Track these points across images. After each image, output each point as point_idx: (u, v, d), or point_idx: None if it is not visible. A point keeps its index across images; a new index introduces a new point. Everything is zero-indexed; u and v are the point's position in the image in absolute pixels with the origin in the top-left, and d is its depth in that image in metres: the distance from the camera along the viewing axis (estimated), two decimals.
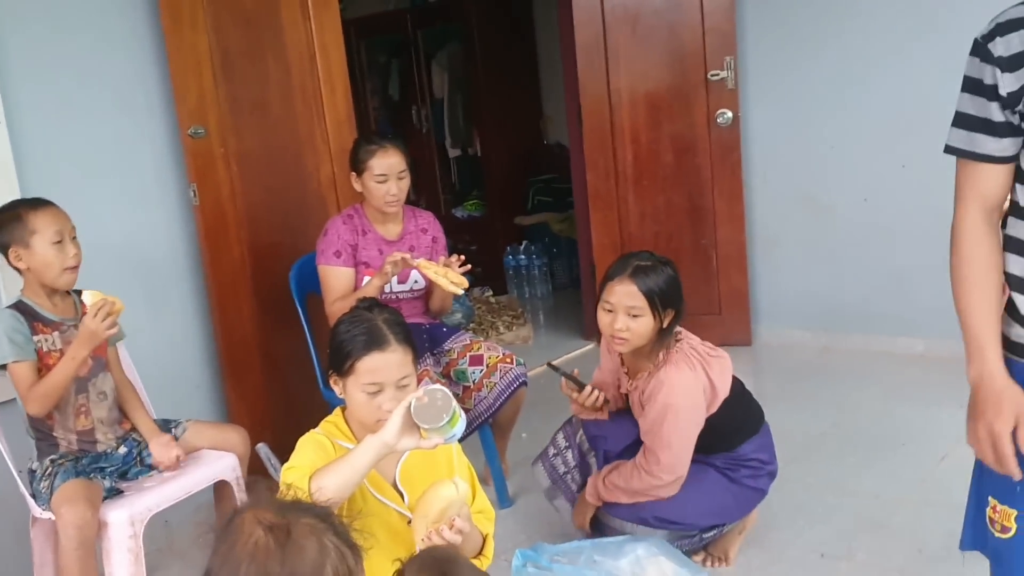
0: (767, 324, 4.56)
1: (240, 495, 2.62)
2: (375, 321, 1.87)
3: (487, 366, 3.07)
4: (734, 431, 2.50)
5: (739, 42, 4.29)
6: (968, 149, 1.53)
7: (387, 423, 1.74)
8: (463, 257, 2.94)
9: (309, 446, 1.89)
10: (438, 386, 1.79)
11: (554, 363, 2.82)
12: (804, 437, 3.40)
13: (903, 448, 3.28)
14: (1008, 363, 1.52)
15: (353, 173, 3.08)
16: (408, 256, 2.90)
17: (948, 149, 1.58)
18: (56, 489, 2.35)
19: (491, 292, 5.94)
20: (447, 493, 1.76)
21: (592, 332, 4.89)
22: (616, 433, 2.62)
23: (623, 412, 2.67)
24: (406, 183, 3.10)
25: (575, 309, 5.36)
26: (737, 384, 2.50)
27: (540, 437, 3.19)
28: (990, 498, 1.60)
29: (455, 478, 1.82)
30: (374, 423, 1.81)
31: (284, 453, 2.86)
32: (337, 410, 2.01)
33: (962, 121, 1.54)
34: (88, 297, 2.40)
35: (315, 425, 1.97)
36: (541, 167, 6.36)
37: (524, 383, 3.08)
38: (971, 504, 1.69)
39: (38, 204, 2.47)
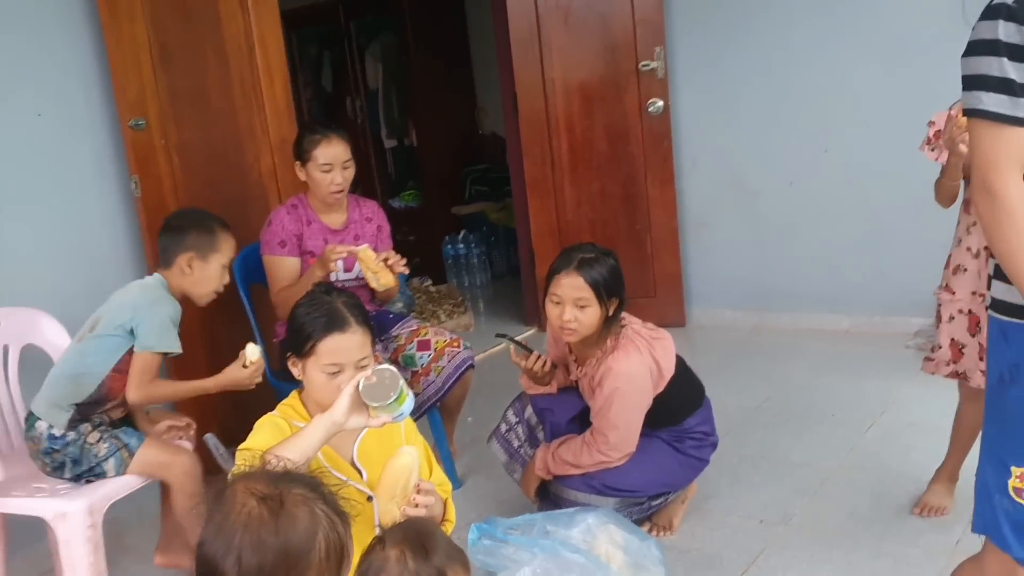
0: (700, 305, 4.71)
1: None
2: (335, 304, 1.93)
3: (435, 350, 3.13)
4: (679, 406, 2.61)
5: (668, 33, 4.42)
6: (1011, 114, 1.46)
7: (336, 402, 1.79)
8: (404, 260, 2.98)
9: (266, 427, 1.94)
10: (386, 366, 1.85)
11: (503, 333, 2.91)
12: (739, 411, 3.54)
13: (832, 419, 3.44)
14: (1010, 326, 1.56)
15: (298, 163, 3.11)
16: (354, 248, 2.94)
17: (988, 115, 1.49)
18: (138, 449, 2.47)
19: (430, 281, 5.98)
20: (406, 462, 1.82)
21: (533, 317, 4.99)
22: (562, 406, 2.72)
23: (569, 387, 2.77)
24: (351, 172, 3.13)
25: (515, 296, 5.45)
26: (680, 362, 2.62)
27: (485, 420, 3.28)
28: (1014, 468, 1.58)
29: (403, 448, 1.89)
30: (332, 403, 1.87)
31: (232, 443, 2.89)
32: (294, 393, 2.05)
33: (1002, 86, 1.46)
34: (253, 353, 2.51)
35: (263, 415, 2.01)
36: (477, 157, 6.43)
37: (471, 366, 3.15)
38: (980, 485, 1.67)
39: (226, 227, 2.67)
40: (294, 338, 1.94)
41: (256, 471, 1.33)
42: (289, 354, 1.97)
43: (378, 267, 2.94)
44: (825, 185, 4.33)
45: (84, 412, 2.51)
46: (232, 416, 3.15)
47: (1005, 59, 1.44)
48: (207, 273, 2.61)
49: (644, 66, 4.40)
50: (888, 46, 4.02)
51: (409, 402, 1.85)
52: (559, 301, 2.51)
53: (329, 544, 1.21)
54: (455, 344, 3.15)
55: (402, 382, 1.82)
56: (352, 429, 1.84)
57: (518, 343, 2.73)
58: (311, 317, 1.91)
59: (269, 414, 2.01)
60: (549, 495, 2.71)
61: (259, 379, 2.56)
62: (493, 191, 6.29)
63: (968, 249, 2.47)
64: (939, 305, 2.59)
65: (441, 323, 5.19)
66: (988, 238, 1.53)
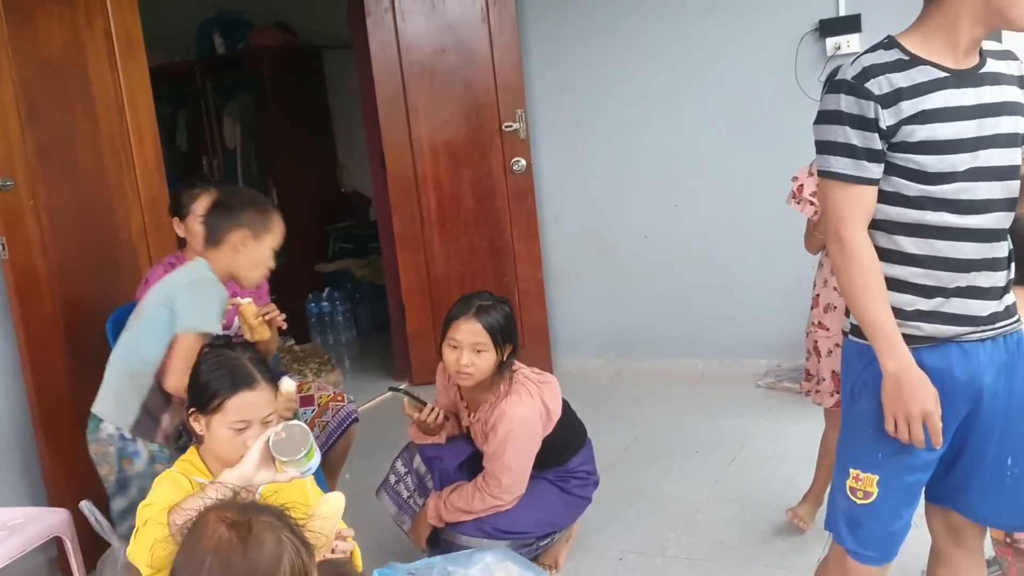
0: (566, 354, 4.90)
1: (76, 556, 2.55)
2: (241, 360, 1.95)
3: (318, 405, 3.15)
4: (565, 446, 2.75)
5: (528, 96, 4.67)
6: (857, 175, 1.71)
7: (245, 456, 1.82)
8: (284, 316, 2.99)
9: (166, 483, 1.93)
10: (296, 422, 1.89)
11: (396, 386, 2.97)
12: (609, 452, 3.71)
13: (696, 455, 3.67)
14: (865, 348, 1.77)
15: (175, 218, 3.10)
16: (237, 300, 2.95)
17: (835, 176, 1.73)
18: None
19: (294, 341, 5.93)
20: (334, 508, 1.86)
21: (403, 372, 5.04)
22: (451, 453, 2.81)
23: (456, 435, 2.86)
24: None
25: (383, 352, 5.48)
26: (566, 404, 2.77)
27: (362, 475, 3.31)
28: (851, 470, 1.83)
29: (329, 495, 1.93)
30: (237, 459, 1.89)
31: (106, 513, 2.81)
32: (192, 449, 2.05)
33: (848, 151, 1.70)
34: (287, 385, 2.51)
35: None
36: (340, 215, 6.46)
37: (356, 420, 3.18)
38: (831, 488, 1.92)
39: (277, 211, 2.61)
40: (199, 394, 1.95)
41: (226, 501, 1.37)
42: (192, 410, 1.98)
43: (257, 322, 2.95)
44: (677, 237, 4.64)
45: (152, 411, 2.47)
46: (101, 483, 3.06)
47: (848, 127, 1.70)
48: (259, 254, 2.52)
49: (507, 127, 4.61)
50: (731, 109, 4.39)
51: (317, 457, 1.89)
52: (456, 346, 2.61)
53: (294, 568, 1.27)
54: (339, 398, 3.18)
55: (312, 438, 1.87)
56: (259, 484, 1.87)
57: (412, 396, 2.80)
58: (218, 374, 1.93)
59: (167, 470, 2.00)
60: (440, 543, 2.78)
61: (289, 413, 2.56)
62: (357, 248, 6.33)
63: (835, 288, 2.69)
64: (814, 342, 2.82)
65: (309, 382, 5.16)
66: (839, 280, 1.79)
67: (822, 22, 4.11)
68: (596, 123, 4.70)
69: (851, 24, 4.03)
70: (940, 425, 1.72)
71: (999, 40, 2.16)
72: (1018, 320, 1.84)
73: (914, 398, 1.70)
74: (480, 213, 4.75)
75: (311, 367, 5.41)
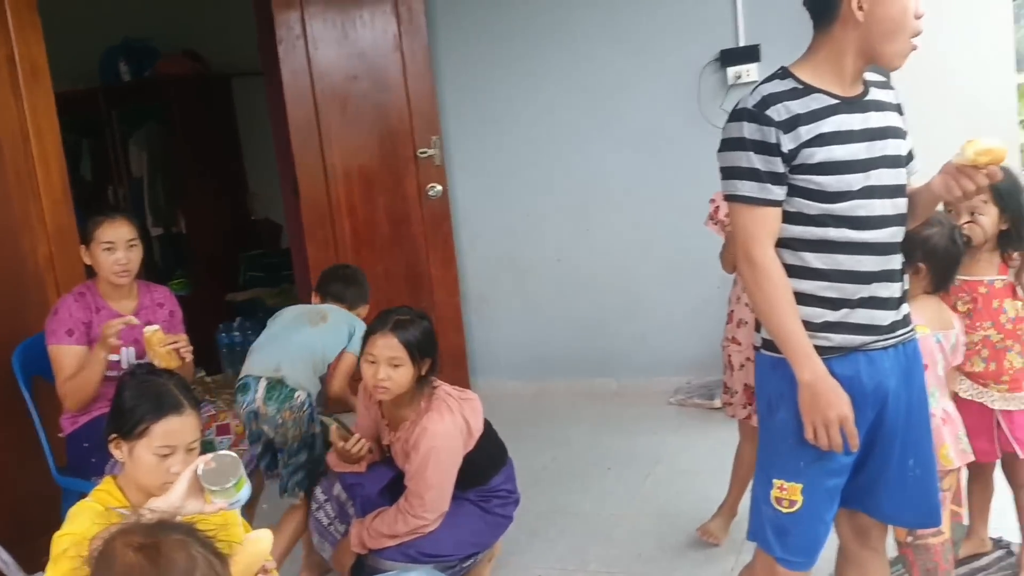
0: (484, 377, 4.94)
1: None
2: (167, 385, 1.94)
3: (235, 435, 3.13)
4: (486, 465, 2.79)
5: (443, 123, 4.73)
6: (761, 197, 1.82)
7: (174, 486, 1.81)
8: (191, 348, 2.95)
9: (84, 513, 1.89)
10: (227, 451, 1.89)
11: (322, 415, 2.96)
12: (529, 472, 3.73)
13: (612, 472, 3.76)
14: (778, 361, 1.88)
15: (83, 247, 3.05)
16: (129, 319, 2.90)
17: (742, 199, 1.84)
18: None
19: (204, 372, 5.82)
20: (264, 546, 1.84)
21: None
22: (371, 478, 2.82)
23: (376, 462, 2.87)
24: (136, 253, 3.06)
25: None
26: (486, 422, 2.81)
27: (279, 503, 3.27)
28: (775, 480, 1.92)
29: (259, 532, 1.92)
30: (160, 486, 1.87)
31: (13, 549, 2.73)
32: (108, 478, 2.02)
33: (752, 175, 1.81)
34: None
35: (49, 516, 1.96)
36: (251, 242, 6.39)
37: None
38: (752, 499, 2.01)
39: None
40: (122, 419, 1.92)
41: (130, 525, 1.36)
42: (113, 436, 1.95)
43: (164, 350, 2.90)
44: (589, 260, 4.75)
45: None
46: (10, 520, 2.97)
47: (751, 152, 1.82)
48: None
49: (422, 153, 4.66)
50: (638, 136, 4.54)
51: (247, 488, 1.88)
52: (374, 360, 2.63)
53: None
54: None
55: (242, 468, 1.86)
56: (187, 514, 1.85)
57: (342, 424, 2.80)
58: (142, 399, 1.91)
59: (84, 501, 1.96)
60: (364, 569, 2.77)
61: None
62: (269, 276, 6.27)
63: (746, 304, 2.79)
64: (728, 356, 2.94)
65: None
66: (750, 297, 1.91)
67: (723, 52, 4.30)
68: (510, 149, 4.79)
69: (750, 54, 4.23)
70: (855, 429, 1.83)
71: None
72: (913, 328, 1.98)
73: (831, 405, 1.81)
74: (396, 239, 4.77)
75: (223, 398, 5.33)
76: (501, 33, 4.71)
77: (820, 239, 1.85)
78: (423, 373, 2.67)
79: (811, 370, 1.81)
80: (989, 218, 2.52)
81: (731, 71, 4.25)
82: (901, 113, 1.96)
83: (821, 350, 1.85)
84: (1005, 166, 2.52)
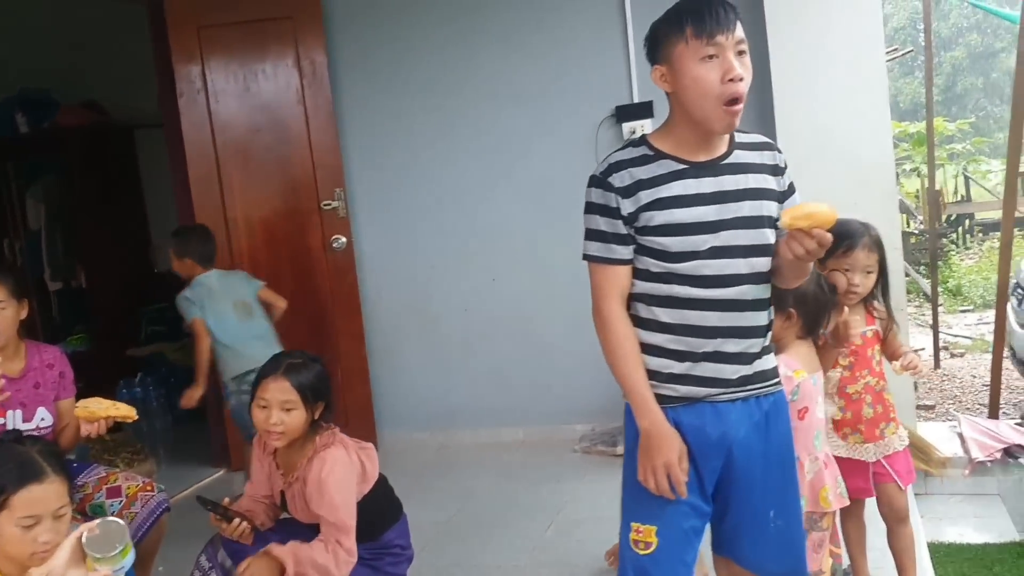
0: (390, 429, 4.91)
1: None
2: (30, 453, 1.89)
3: (126, 496, 3.03)
4: (378, 517, 2.74)
5: (347, 175, 4.75)
6: (607, 256, 1.94)
7: (56, 553, 1.76)
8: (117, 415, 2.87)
9: None
10: (113, 518, 1.84)
11: (204, 496, 2.86)
12: (433, 526, 3.74)
13: (515, 523, 3.75)
14: None
15: None
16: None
17: (591, 258, 1.96)
18: None
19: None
20: None
21: (221, 459, 4.89)
22: (258, 546, 2.74)
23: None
24: (10, 312, 2.97)
25: (200, 438, 5.29)
26: (382, 476, 2.78)
27: (177, 568, 3.19)
28: (632, 524, 1.99)
29: None
30: (28, 556, 1.82)
31: None
32: None
33: (598, 236, 1.94)
34: None
35: None
36: (153, 296, 6.25)
37: (167, 509, 3.07)
38: (620, 543, 2.05)
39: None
40: None
41: None
42: None
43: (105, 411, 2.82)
44: (495, 310, 4.79)
45: None
46: None
47: (598, 216, 1.94)
48: None
49: (326, 205, 4.66)
50: (539, 188, 4.63)
51: (131, 555, 1.84)
52: (266, 405, 2.59)
53: None
54: (148, 488, 3.07)
55: (128, 535, 1.81)
56: None
57: (219, 507, 2.70)
58: (3, 469, 1.85)
59: None
60: None
61: None
62: (171, 331, 6.13)
63: None
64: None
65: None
66: (602, 349, 1.98)
67: (618, 108, 4.44)
68: (415, 201, 4.83)
69: (644, 110, 4.37)
70: (681, 476, 1.91)
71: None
72: (775, 383, 2.04)
73: (660, 451, 1.90)
74: (300, 291, 4.73)
75: (123, 457, 5.18)
76: (405, 87, 4.77)
77: (666, 295, 1.94)
78: (316, 417, 2.64)
79: (648, 418, 1.91)
80: (874, 277, 2.66)
81: (626, 126, 4.39)
82: (776, 174, 2.02)
83: (668, 399, 1.94)
84: (866, 223, 2.68)
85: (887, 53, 11.75)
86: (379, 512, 2.75)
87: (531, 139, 4.64)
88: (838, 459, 2.67)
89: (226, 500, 2.80)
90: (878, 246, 2.67)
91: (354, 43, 4.77)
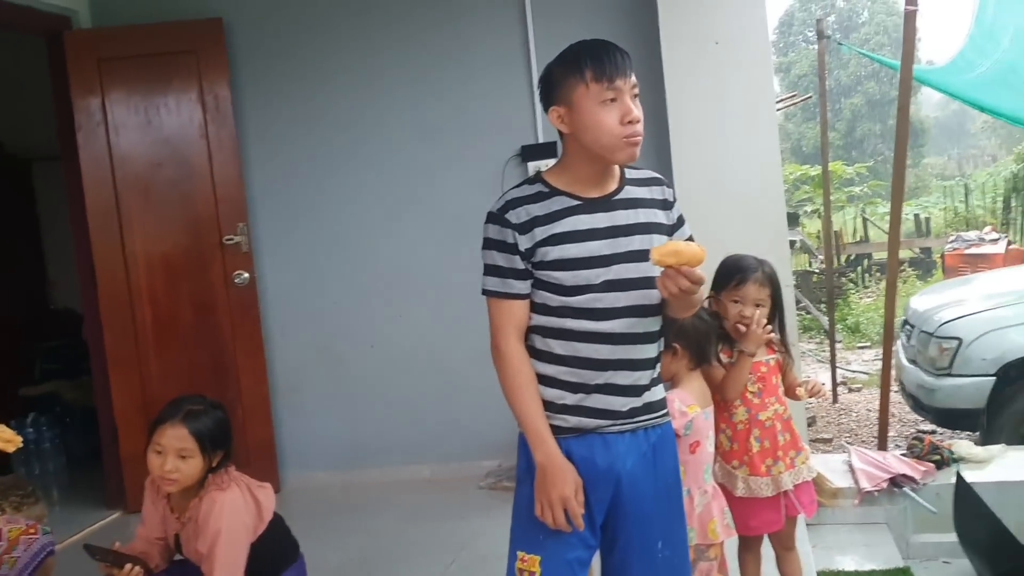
0: (294, 469, 4.83)
1: None
2: None
3: (7, 540, 2.92)
4: (275, 559, 2.70)
5: (250, 209, 4.70)
6: (504, 291, 1.98)
7: None
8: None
9: None
10: None
11: (92, 544, 2.77)
12: (337, 567, 3.68)
13: (417, 561, 3.73)
14: (522, 437, 1.99)
15: None
16: None
17: (488, 293, 2.00)
18: None
19: None
20: None
21: (116, 501, 4.74)
22: None
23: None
24: None
25: (95, 479, 5.12)
26: (278, 515, 2.74)
27: None
28: (518, 552, 2.00)
29: None
30: None
31: None
32: None
33: (496, 271, 1.98)
34: None
35: None
36: (48, 333, 6.06)
37: (52, 552, 2.97)
38: (507, 572, 2.06)
39: None
40: None
41: None
42: None
43: None
44: (402, 346, 4.78)
45: None
46: None
47: (495, 251, 1.99)
48: None
49: (228, 240, 4.60)
50: (446, 224, 4.66)
51: None
52: (161, 451, 2.53)
53: None
54: (32, 531, 2.97)
55: None
56: None
57: (109, 554, 2.62)
58: None
59: None
60: None
61: None
62: (68, 369, 5.93)
63: None
64: None
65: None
66: (499, 381, 2.00)
67: (524, 147, 4.53)
68: (320, 235, 4.80)
69: (549, 150, 4.46)
70: (578, 510, 1.93)
71: None
72: (663, 415, 2.10)
73: (555, 485, 1.92)
74: (201, 328, 4.66)
75: (10, 501, 4.92)
76: (310, 121, 4.77)
77: (560, 328, 1.98)
78: (214, 465, 2.59)
79: (543, 452, 1.94)
80: (766, 312, 2.75)
81: (531, 165, 4.47)
82: (666, 208, 2.09)
83: (560, 430, 1.98)
84: (762, 259, 2.79)
85: (788, 99, 12.25)
86: (275, 553, 2.72)
87: (438, 174, 4.68)
88: (759, 500, 2.74)
89: (116, 544, 2.72)
90: (771, 281, 2.77)
91: (259, 77, 4.76)
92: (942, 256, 13.51)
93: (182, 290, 4.65)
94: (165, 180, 4.61)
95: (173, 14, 4.64)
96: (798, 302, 11.08)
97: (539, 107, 4.48)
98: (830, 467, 4.08)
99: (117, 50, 4.56)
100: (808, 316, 11.04)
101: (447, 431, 4.74)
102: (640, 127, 1.94)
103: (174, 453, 2.53)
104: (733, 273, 2.76)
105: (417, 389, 4.78)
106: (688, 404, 2.59)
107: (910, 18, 4.30)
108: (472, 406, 4.65)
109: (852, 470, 4.01)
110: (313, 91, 4.75)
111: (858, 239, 16.45)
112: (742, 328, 2.71)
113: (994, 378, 4.94)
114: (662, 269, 1.88)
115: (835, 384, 7.65)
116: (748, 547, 2.88)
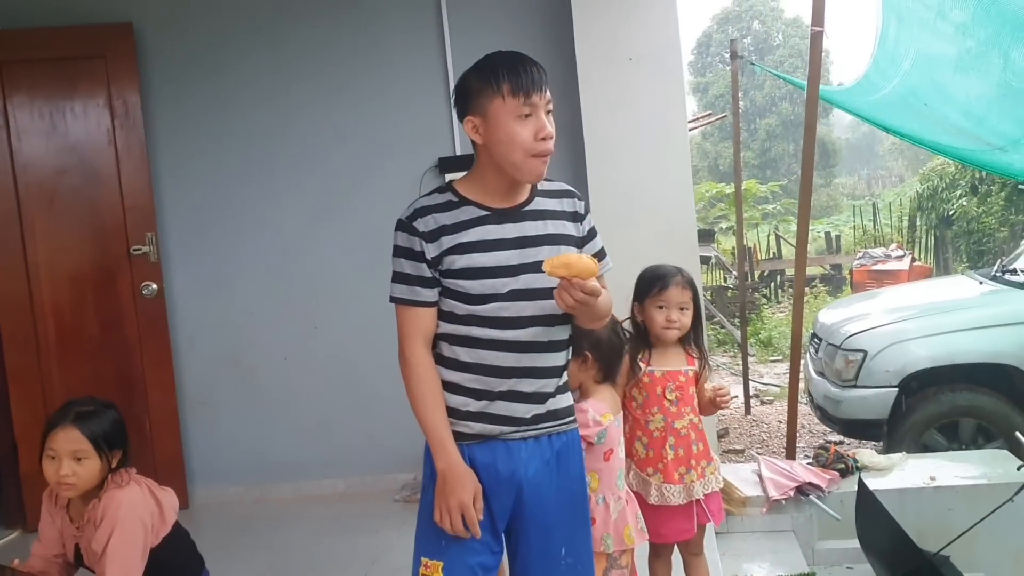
0: (203, 484, 4.71)
1: None
2: None
3: None
4: (178, 571, 2.63)
5: (160, 219, 4.59)
6: (411, 299, 1.99)
7: None
8: None
9: None
10: None
11: None
12: None
13: (327, 575, 3.67)
14: (427, 445, 2.00)
15: None
16: None
17: (396, 300, 2.01)
18: None
19: None
20: None
21: (16, 519, 4.55)
22: None
23: None
24: None
25: None
26: (180, 527, 2.67)
27: None
28: (422, 559, 2.01)
29: None
30: None
31: None
32: None
33: (403, 279, 2.00)
34: None
35: None
36: None
37: None
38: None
39: None
40: None
41: None
42: None
43: None
44: (317, 359, 4.72)
45: None
46: None
47: (403, 259, 2.01)
48: None
49: (136, 250, 4.48)
50: (363, 235, 4.62)
51: None
52: (55, 456, 2.45)
53: None
54: None
55: None
56: None
57: (6, 571, 2.53)
58: None
59: None
60: None
61: None
62: None
63: None
64: None
65: None
66: (405, 388, 1.99)
67: (441, 159, 4.53)
68: (232, 246, 4.72)
69: (466, 162, 4.39)
70: (475, 516, 1.95)
71: None
72: (569, 422, 2.12)
73: (454, 492, 1.94)
74: (107, 340, 4.52)
75: None
76: (223, 128, 4.68)
77: (466, 336, 2.00)
78: (113, 466, 2.52)
79: (445, 459, 1.96)
80: (689, 315, 2.81)
81: (448, 176, 4.47)
82: (576, 220, 2.11)
83: (464, 436, 2.00)
84: (679, 267, 2.85)
85: (704, 118, 12.54)
86: (178, 564, 2.65)
87: (354, 185, 4.65)
88: (671, 507, 2.78)
89: (15, 562, 2.62)
90: (691, 285, 2.83)
91: (170, 84, 4.65)
92: (851, 272, 13.98)
93: (87, 302, 4.51)
94: (70, 188, 4.48)
95: (82, 18, 4.51)
96: (712, 317, 11.34)
97: (455, 120, 4.51)
98: (740, 476, 4.16)
99: (20, 53, 4.41)
100: (722, 330, 11.30)
101: (362, 444, 4.69)
102: (551, 144, 1.96)
103: (68, 456, 2.46)
104: (654, 280, 2.81)
105: (331, 402, 4.72)
106: (602, 413, 2.62)
107: (816, 39, 4.44)
108: (387, 419, 4.59)
109: (761, 479, 4.11)
110: (226, 98, 4.67)
111: (771, 255, 16.92)
112: (670, 333, 2.77)
113: (897, 389, 5.12)
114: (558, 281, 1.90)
115: (748, 397, 7.83)
116: (658, 554, 2.93)
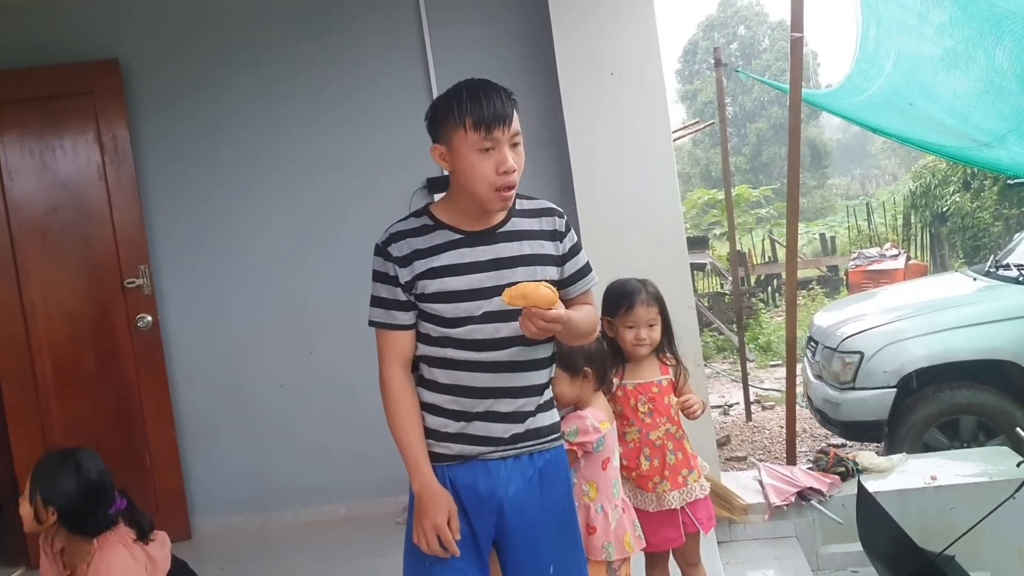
0: (205, 514, 4.70)
1: None
2: None
3: None
4: None
5: (153, 252, 4.61)
6: (388, 322, 2.03)
7: None
8: None
9: None
10: None
11: None
12: None
13: None
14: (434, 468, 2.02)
15: None
16: None
17: (374, 324, 2.05)
18: None
19: None
20: None
21: (20, 557, 4.55)
22: None
23: None
24: None
25: None
26: (178, 560, 2.68)
27: None
28: None
29: None
30: None
31: None
32: None
33: (380, 303, 2.03)
34: None
35: None
36: None
37: None
38: None
39: None
40: None
41: None
42: None
43: None
44: (313, 384, 4.72)
45: None
46: None
47: (379, 283, 2.04)
48: None
49: (129, 283, 4.50)
50: (354, 257, 4.52)
51: None
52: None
53: None
54: None
55: None
56: None
57: None
58: None
59: None
60: None
61: None
62: None
63: None
64: None
65: None
66: (384, 410, 2.04)
67: (429, 179, 4.55)
68: (225, 275, 4.73)
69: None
70: (451, 536, 1.97)
71: None
72: (551, 439, 2.13)
73: (428, 513, 1.97)
74: (104, 375, 4.53)
75: None
76: (213, 158, 4.70)
77: (443, 357, 2.03)
78: (43, 521, 2.60)
79: (420, 481, 2.01)
80: (658, 328, 2.83)
81: (437, 197, 4.48)
82: (555, 239, 2.11)
83: (444, 457, 2.02)
84: (644, 280, 2.87)
85: (692, 126, 12.58)
86: None
87: (343, 207, 4.66)
88: (650, 514, 2.79)
89: None
90: (657, 300, 2.86)
91: (157, 117, 4.67)
92: (847, 274, 14.00)
93: (83, 337, 4.52)
94: (63, 225, 4.50)
95: (69, 55, 4.54)
96: (710, 323, 11.34)
97: None
98: (740, 484, 4.17)
99: (9, 93, 4.44)
100: (721, 336, 11.30)
101: (361, 468, 4.69)
102: (515, 177, 1.97)
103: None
104: (621, 300, 2.84)
105: (329, 427, 4.72)
106: (600, 420, 2.64)
107: (796, 45, 4.49)
108: (386, 441, 4.47)
109: (762, 486, 4.11)
110: (213, 128, 4.69)
111: (767, 260, 16.94)
112: (641, 350, 2.80)
113: (895, 389, 5.13)
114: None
115: (748, 403, 7.83)
116: (655, 564, 2.94)
